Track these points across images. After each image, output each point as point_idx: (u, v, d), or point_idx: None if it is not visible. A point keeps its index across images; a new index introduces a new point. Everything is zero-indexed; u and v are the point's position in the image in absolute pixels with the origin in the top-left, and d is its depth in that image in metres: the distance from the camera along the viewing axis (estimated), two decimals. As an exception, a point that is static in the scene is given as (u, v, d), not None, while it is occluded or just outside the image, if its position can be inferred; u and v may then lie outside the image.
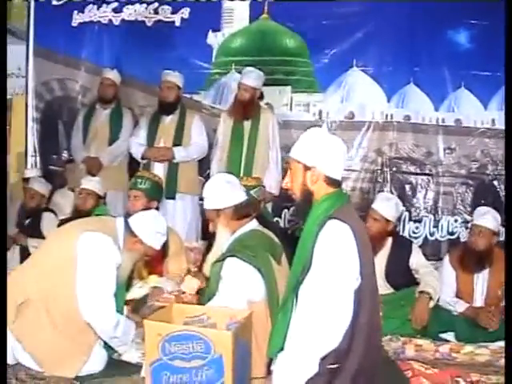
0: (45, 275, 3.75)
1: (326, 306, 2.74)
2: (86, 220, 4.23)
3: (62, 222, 5.24)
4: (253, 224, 3.94)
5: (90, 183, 5.83)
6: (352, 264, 2.79)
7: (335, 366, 2.76)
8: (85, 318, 3.69)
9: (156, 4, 7.25)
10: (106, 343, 3.86)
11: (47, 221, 6.22)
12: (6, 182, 4.18)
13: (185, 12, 7.12)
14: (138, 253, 3.95)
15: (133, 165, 6.61)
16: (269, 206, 6.11)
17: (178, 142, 6.34)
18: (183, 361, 3.12)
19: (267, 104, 6.68)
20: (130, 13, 7.29)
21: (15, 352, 3.76)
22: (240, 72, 6.38)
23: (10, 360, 3.78)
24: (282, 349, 2.86)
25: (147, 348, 3.24)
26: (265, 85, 6.24)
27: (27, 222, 6.36)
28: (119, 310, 3.88)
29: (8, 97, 9.26)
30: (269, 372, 3.12)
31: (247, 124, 6.15)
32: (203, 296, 3.97)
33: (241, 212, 3.90)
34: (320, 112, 6.96)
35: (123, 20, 7.30)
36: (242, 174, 5.77)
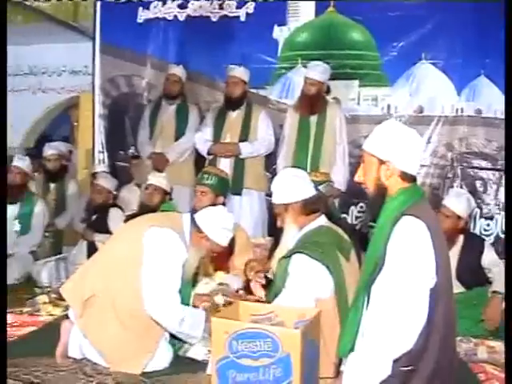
0: (111, 270, 3.74)
1: (400, 305, 2.63)
2: (152, 215, 4.21)
3: (129, 218, 5.23)
4: (321, 220, 3.86)
5: (157, 179, 5.82)
6: (428, 262, 2.67)
7: (409, 368, 2.65)
8: (150, 313, 3.66)
9: (221, -1, 7.25)
10: (172, 338, 3.82)
11: (114, 216, 6.25)
12: (5, 181, 4.14)
13: (250, 7, 7.07)
14: (204, 249, 3.89)
15: (199, 160, 6.60)
16: (336, 202, 6.00)
17: (244, 137, 6.29)
18: (250, 359, 3.05)
19: (334, 98, 6.56)
20: (195, 8, 7.27)
21: (82, 347, 3.76)
22: (306, 66, 6.28)
23: (76, 355, 3.79)
24: (352, 349, 2.76)
25: (214, 345, 3.19)
26: (332, 79, 6.14)
27: (94, 217, 6.41)
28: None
29: (75, 94, 9.47)
30: (338, 372, 3.03)
31: (314, 119, 6.05)
32: (270, 292, 3.89)
33: (309, 207, 3.82)
34: (388, 106, 6.81)
35: (188, 16, 7.30)
36: (308, 170, 5.68)
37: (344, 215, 6.57)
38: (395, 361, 2.66)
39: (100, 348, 3.68)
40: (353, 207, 6.65)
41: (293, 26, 7.04)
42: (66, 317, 3.90)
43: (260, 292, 4.11)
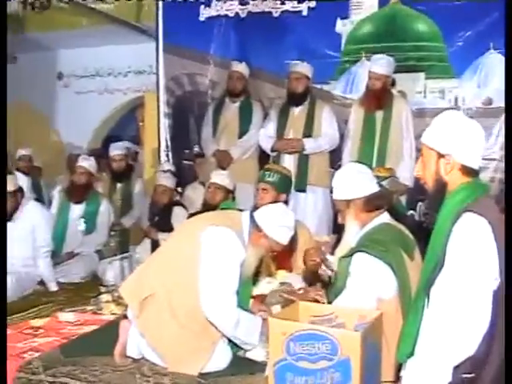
0: (169, 269, 3.69)
1: (461, 308, 2.46)
2: (211, 214, 4.13)
3: (191, 216, 5.19)
4: (384, 217, 3.71)
5: (219, 177, 5.78)
6: (490, 262, 2.49)
7: (471, 375, 2.48)
8: (206, 314, 3.59)
9: (282, -6, 7.15)
10: (230, 340, 3.75)
11: (177, 215, 6.25)
12: (5, 181, 4.25)
13: (312, 1, 6.95)
14: (264, 248, 3.79)
15: (263, 157, 6.53)
16: (403, 199, 5.84)
17: (307, 133, 6.20)
18: (308, 362, 2.93)
19: (400, 92, 6.41)
20: (257, 4, 7.23)
21: (140, 346, 3.73)
22: (370, 60, 6.12)
23: (134, 354, 3.76)
24: (412, 353, 2.62)
25: (271, 347, 3.09)
26: (397, 72, 6.00)
27: (158, 216, 6.41)
28: (243, 307, 3.75)
29: (140, 94, 9.55)
30: (397, 377, 2.89)
31: (379, 113, 5.92)
32: (330, 292, 3.77)
33: (372, 204, 3.68)
34: (456, 98, 6.59)
35: (250, 12, 7.26)
36: (374, 165, 5.55)
37: (411, 212, 6.39)
38: (456, 367, 2.49)
39: (157, 348, 3.63)
40: (420, 203, 6.46)
41: (356, 19, 6.90)
42: (125, 316, 3.87)
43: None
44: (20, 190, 5.70)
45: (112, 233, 6.79)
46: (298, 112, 6.27)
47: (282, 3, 7.11)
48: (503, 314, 2.49)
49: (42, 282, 5.74)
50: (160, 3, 7.73)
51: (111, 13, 8.81)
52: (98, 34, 9.16)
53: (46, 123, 10.80)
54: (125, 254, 6.30)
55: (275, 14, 7.13)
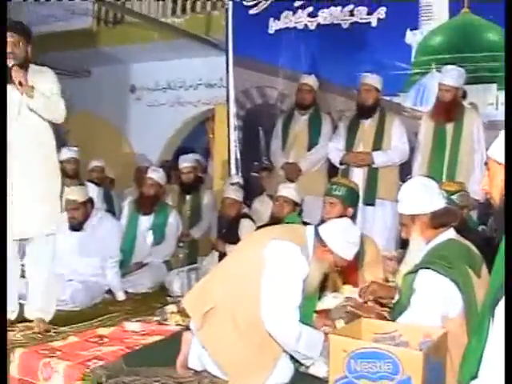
0: (232, 282, 3.67)
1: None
2: (274, 228, 4.10)
3: (258, 229, 5.19)
4: (450, 233, 3.61)
5: (287, 190, 5.75)
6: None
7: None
8: (267, 328, 3.56)
9: (351, 6, 7.08)
10: (292, 356, 3.71)
11: (245, 228, 6.25)
12: (5, 181, 4.20)
13: (381, 12, 6.89)
14: (328, 263, 3.74)
15: (332, 170, 6.48)
16: (474, 213, 5.71)
17: (377, 146, 6.13)
18: (369, 380, 2.87)
19: (471, 104, 6.27)
20: (326, 16, 7.20)
21: (202, 359, 3.72)
22: (440, 71, 6.02)
23: (196, 366, 3.76)
24: (476, 375, 2.52)
25: (331, 364, 3.03)
26: (468, 83, 5.86)
27: (226, 228, 6.44)
28: (307, 322, 3.71)
29: (211, 106, 9.62)
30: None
31: (450, 126, 5.81)
32: (394, 310, 3.70)
33: (438, 220, 3.58)
34: (529, 110, 6.41)
35: (319, 24, 7.23)
36: (444, 179, 5.45)
37: (482, 227, 6.23)
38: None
39: (218, 360, 3.62)
40: (492, 218, 6.30)
41: (426, 30, 6.80)
42: (188, 328, 3.87)
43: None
44: (90, 200, 5.85)
45: (180, 244, 6.84)
46: (367, 125, 6.20)
47: (351, 15, 7.07)
48: None
49: (110, 292, 5.83)
50: (230, 17, 7.79)
51: (182, 27, 8.93)
52: (169, 48, 9.29)
53: (119, 135, 10.99)
54: (192, 266, 6.34)
55: (344, 26, 7.09)
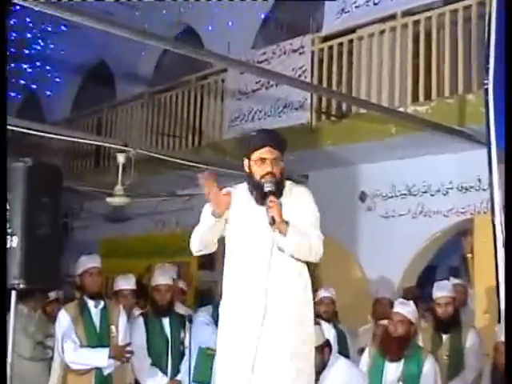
0: None
1: None
2: None
3: None
4: None
5: None
6: None
7: None
8: None
9: None
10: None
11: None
12: (5, 181, 4.66)
13: None
14: None
15: None
16: None
17: None
18: None
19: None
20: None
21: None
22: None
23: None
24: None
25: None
26: None
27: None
28: None
29: (467, 216, 9.33)
30: None
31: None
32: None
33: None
34: None
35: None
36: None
37: None
38: None
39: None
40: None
41: None
42: None
43: None
44: (328, 344, 5.90)
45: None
46: None
47: None
48: None
49: None
50: (490, 100, 7.05)
51: (426, 116, 8.52)
52: (409, 144, 8.97)
53: (347, 255, 10.62)
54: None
55: None
